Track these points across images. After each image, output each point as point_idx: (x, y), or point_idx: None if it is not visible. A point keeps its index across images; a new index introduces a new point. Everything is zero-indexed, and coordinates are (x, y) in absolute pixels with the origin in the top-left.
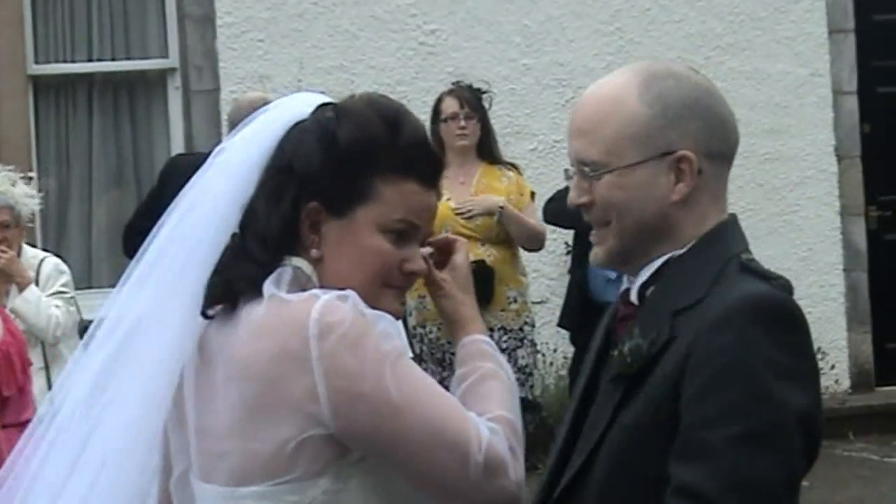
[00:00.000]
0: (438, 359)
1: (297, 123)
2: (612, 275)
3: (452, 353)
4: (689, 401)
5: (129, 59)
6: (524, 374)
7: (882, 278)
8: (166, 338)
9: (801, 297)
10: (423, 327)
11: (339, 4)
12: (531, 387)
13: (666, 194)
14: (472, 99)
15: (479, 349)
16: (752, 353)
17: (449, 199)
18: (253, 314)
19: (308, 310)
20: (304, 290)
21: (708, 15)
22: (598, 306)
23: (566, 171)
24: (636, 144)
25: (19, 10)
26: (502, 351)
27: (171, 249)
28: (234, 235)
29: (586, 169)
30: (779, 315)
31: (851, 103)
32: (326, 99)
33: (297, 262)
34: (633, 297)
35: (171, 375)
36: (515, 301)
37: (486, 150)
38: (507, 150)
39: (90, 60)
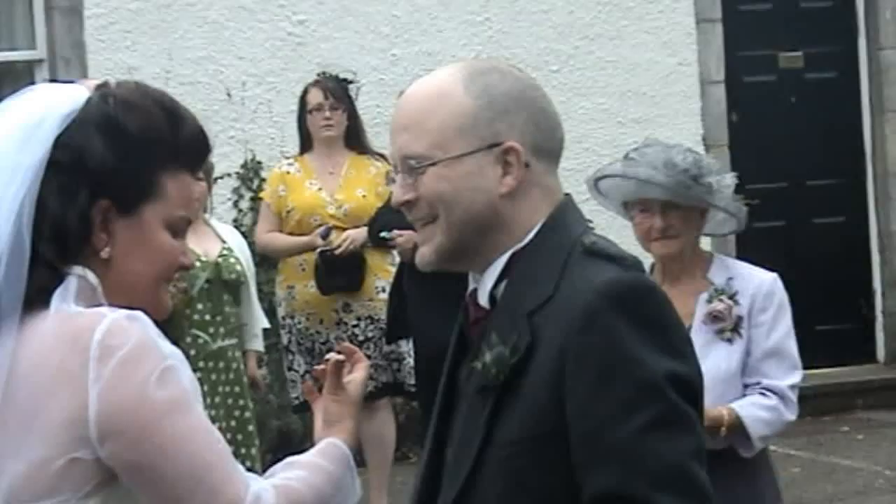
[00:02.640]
0: (307, 348)
1: (75, 117)
2: None
3: (322, 343)
4: (580, 407)
5: None
6: (387, 361)
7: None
8: None
9: None
10: (292, 318)
11: None
12: (398, 371)
13: (494, 186)
14: (337, 89)
15: (333, 451)
16: (626, 345)
17: (320, 190)
18: (38, 326)
19: (93, 329)
20: (91, 303)
21: (576, 5)
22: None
23: (387, 174)
24: (462, 135)
25: None
26: (367, 340)
27: None
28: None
29: (412, 162)
30: (635, 298)
31: (719, 93)
32: (82, 87)
33: (81, 271)
34: (484, 300)
35: None
36: (384, 291)
37: (355, 140)
38: (376, 140)
39: None
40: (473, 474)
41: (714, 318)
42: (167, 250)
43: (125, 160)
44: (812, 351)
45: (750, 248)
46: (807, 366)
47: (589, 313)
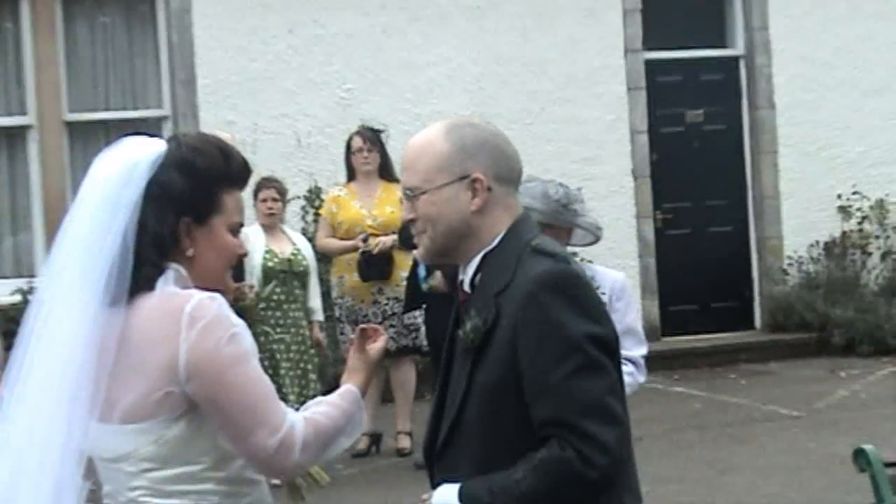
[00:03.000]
0: (353, 320)
1: (161, 161)
2: (423, 273)
3: (363, 316)
4: (527, 361)
5: None
6: (408, 330)
7: (665, 262)
8: (72, 321)
9: None
10: (342, 298)
11: (285, 70)
12: (415, 337)
13: (466, 206)
14: (372, 137)
15: (348, 394)
16: (554, 315)
17: (361, 207)
18: (147, 302)
19: (184, 304)
20: (184, 286)
21: (542, 77)
22: (422, 292)
23: (400, 199)
24: (442, 172)
25: None
26: (394, 314)
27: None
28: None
29: (409, 192)
30: (562, 282)
31: (644, 139)
32: (160, 140)
33: (175, 266)
34: (467, 286)
35: (84, 347)
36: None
37: (385, 172)
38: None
39: None
40: (461, 409)
41: None
42: (230, 247)
43: (197, 188)
44: (710, 321)
45: (666, 249)
46: (706, 331)
47: (529, 295)
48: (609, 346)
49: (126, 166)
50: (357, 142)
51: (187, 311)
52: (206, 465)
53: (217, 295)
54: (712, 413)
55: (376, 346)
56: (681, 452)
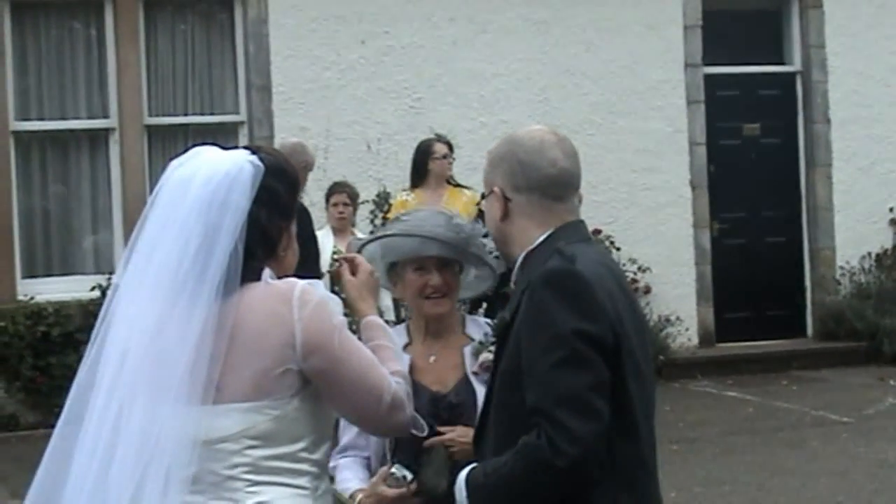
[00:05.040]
0: None
1: (263, 170)
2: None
3: None
4: (524, 351)
5: None
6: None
7: (721, 270)
8: (190, 313)
9: (666, 282)
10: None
11: (356, 79)
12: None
13: (497, 215)
14: (449, 145)
15: (375, 325)
16: (546, 310)
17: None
18: (255, 291)
19: (292, 289)
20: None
21: (605, 90)
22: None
23: (465, 203)
24: (485, 186)
25: None
26: None
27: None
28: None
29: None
30: (559, 277)
31: (702, 151)
32: (241, 150)
33: (267, 265)
34: (513, 283)
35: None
36: None
37: (452, 179)
38: (469, 179)
39: None
40: (488, 397)
41: (486, 368)
42: (297, 249)
43: (289, 194)
44: (763, 328)
45: (722, 258)
46: (759, 338)
47: (531, 290)
48: (601, 343)
49: (230, 172)
50: (441, 148)
51: (297, 294)
52: (305, 444)
53: (314, 281)
54: (764, 418)
55: (362, 268)
56: (733, 455)
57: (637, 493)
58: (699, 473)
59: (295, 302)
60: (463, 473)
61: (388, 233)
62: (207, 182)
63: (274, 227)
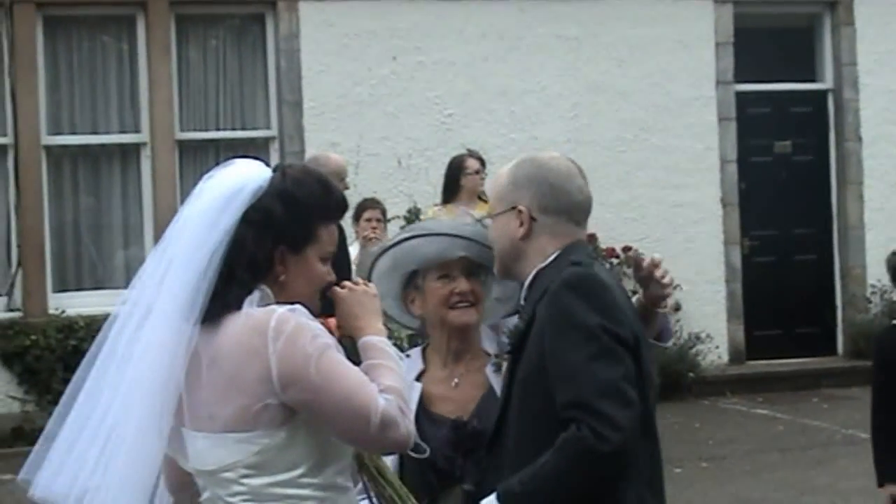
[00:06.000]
0: None
1: (265, 188)
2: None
3: None
4: (550, 351)
5: None
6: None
7: (751, 287)
8: (163, 336)
9: (696, 299)
10: None
11: (388, 94)
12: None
13: (514, 232)
14: (481, 160)
15: (371, 346)
16: (571, 309)
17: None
18: (234, 321)
19: (269, 320)
20: (268, 304)
21: (636, 106)
22: None
23: None
24: (500, 202)
25: None
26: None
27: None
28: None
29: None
30: (579, 282)
31: (733, 168)
32: (265, 166)
33: (264, 288)
34: (522, 300)
35: (173, 363)
36: None
37: (483, 194)
38: None
39: None
40: (506, 401)
41: None
42: (320, 275)
43: (295, 219)
44: (794, 346)
45: (752, 275)
46: (790, 355)
47: (552, 294)
48: (620, 337)
49: (231, 191)
50: (473, 164)
51: (272, 325)
52: (303, 470)
53: (297, 306)
54: (794, 435)
55: (359, 286)
56: (763, 473)
57: (656, 491)
58: (729, 491)
59: (270, 333)
60: (491, 497)
61: (407, 236)
62: (211, 199)
63: (262, 251)
